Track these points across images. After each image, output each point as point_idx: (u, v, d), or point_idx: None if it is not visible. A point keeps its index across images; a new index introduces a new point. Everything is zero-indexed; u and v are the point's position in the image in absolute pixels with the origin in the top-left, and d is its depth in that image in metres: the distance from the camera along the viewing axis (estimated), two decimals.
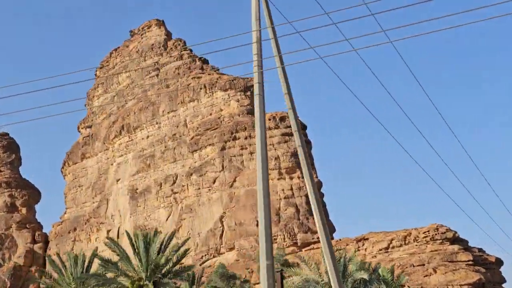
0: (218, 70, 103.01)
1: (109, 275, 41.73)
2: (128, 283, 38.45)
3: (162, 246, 40.92)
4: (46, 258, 53.09)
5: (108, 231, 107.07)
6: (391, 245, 67.65)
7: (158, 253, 39.70)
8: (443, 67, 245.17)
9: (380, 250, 67.03)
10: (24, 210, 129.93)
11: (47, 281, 46.28)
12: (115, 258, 43.04)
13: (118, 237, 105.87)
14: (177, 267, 41.50)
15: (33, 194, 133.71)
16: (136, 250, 40.02)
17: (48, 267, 54.24)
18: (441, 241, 62.23)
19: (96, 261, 45.01)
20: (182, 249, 42.94)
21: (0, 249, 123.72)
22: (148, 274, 38.62)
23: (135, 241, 40.39)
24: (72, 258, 45.57)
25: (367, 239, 69.77)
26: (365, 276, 39.69)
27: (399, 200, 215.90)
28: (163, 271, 39.47)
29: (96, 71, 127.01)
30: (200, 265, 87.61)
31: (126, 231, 45.86)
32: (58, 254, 53.75)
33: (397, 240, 67.13)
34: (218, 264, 64.57)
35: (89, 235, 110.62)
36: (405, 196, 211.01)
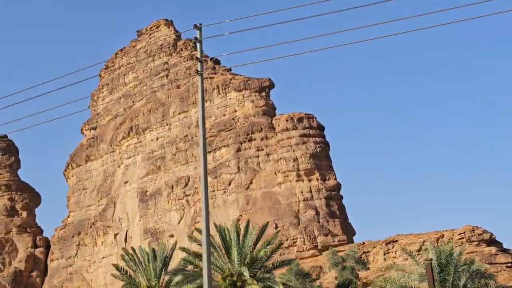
0: (230, 70, 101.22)
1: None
2: (219, 278, 36.31)
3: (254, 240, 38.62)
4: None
5: (115, 235, 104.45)
6: (423, 247, 66.12)
7: (254, 247, 37.53)
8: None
9: (412, 252, 65.23)
10: (24, 214, 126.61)
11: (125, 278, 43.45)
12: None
13: (126, 240, 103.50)
14: (271, 261, 39.32)
15: (33, 198, 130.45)
16: (228, 243, 37.59)
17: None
18: (477, 242, 60.90)
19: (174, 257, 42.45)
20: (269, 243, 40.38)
21: (0, 253, 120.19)
22: (245, 268, 36.45)
23: (226, 235, 38.00)
24: (149, 253, 42.93)
25: (396, 241, 68.14)
26: None
27: (416, 203, 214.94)
28: (261, 265, 37.31)
29: (101, 71, 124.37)
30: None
31: (216, 224, 43.10)
32: (133, 250, 51.21)
33: (430, 242, 65.56)
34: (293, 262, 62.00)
35: (95, 239, 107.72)
36: (422, 198, 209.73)
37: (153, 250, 45.14)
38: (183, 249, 44.89)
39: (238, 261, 37.64)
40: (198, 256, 40.21)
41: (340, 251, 75.89)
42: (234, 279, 37.04)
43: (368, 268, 66.64)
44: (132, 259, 45.12)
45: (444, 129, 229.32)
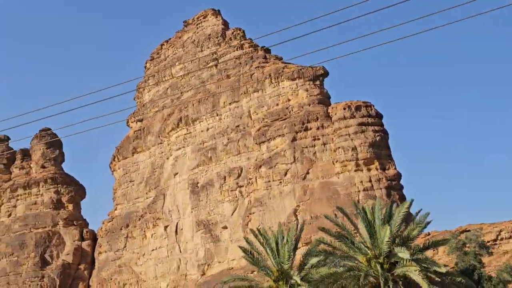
0: (282, 59, 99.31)
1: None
2: (363, 260, 34.40)
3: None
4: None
5: (165, 227, 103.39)
6: (499, 237, 63.78)
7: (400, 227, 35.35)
8: None
9: (488, 242, 62.96)
10: (70, 207, 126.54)
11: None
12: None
13: (176, 232, 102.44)
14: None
15: (79, 191, 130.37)
16: (370, 224, 35.54)
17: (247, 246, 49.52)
18: None
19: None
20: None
21: (47, 246, 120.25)
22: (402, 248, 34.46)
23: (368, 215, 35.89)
24: (277, 235, 40.74)
25: (469, 231, 65.65)
26: None
27: (477, 192, 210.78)
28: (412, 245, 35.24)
29: (146, 63, 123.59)
30: None
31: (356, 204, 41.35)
32: (259, 232, 49.21)
33: (507, 232, 63.31)
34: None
35: (144, 231, 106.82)
36: (482, 188, 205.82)
37: (281, 231, 42.72)
38: (322, 229, 42.88)
39: (388, 240, 35.19)
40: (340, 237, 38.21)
41: None
42: (380, 261, 34.86)
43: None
44: (264, 241, 42.45)
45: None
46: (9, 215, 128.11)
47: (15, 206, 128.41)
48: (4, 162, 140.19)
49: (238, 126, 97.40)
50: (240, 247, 40.37)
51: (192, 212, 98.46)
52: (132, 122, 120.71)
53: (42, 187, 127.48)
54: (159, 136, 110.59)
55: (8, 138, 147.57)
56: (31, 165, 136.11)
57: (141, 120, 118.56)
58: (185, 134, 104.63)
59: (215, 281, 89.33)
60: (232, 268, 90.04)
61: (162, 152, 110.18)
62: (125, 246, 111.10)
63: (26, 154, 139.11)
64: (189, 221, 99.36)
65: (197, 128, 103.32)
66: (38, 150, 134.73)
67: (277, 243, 41.03)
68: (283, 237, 42.65)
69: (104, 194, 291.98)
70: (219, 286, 46.99)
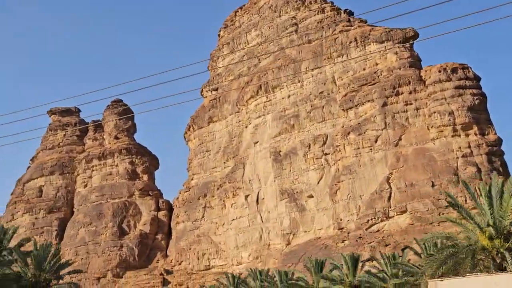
0: (366, 22, 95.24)
1: None
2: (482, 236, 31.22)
3: None
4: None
5: (246, 196, 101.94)
6: None
7: None
8: None
9: None
10: (145, 177, 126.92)
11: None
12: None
13: (257, 202, 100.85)
14: None
15: (153, 161, 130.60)
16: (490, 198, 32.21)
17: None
18: None
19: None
20: None
21: (124, 216, 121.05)
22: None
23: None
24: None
25: None
26: None
27: None
28: None
29: (220, 31, 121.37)
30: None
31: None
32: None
33: None
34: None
35: (223, 201, 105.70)
36: None
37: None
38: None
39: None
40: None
41: None
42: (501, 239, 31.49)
43: None
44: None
45: None
46: (85, 186, 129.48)
47: (90, 177, 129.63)
48: (77, 134, 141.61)
49: (321, 92, 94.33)
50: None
51: (274, 181, 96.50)
52: (206, 92, 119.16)
53: (117, 157, 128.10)
54: (236, 105, 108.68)
55: (79, 111, 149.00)
56: (104, 136, 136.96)
57: (216, 89, 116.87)
58: (264, 102, 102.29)
59: (301, 250, 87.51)
60: (320, 237, 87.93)
61: (239, 121, 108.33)
62: (203, 216, 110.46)
63: (98, 125, 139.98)
64: (271, 190, 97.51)
65: (278, 95, 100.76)
66: (110, 121, 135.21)
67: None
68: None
69: (174, 164, 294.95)
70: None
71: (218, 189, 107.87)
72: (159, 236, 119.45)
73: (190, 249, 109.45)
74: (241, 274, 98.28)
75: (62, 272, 48.11)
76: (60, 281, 48.51)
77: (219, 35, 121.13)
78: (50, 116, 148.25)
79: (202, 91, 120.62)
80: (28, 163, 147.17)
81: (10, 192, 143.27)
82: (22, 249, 46.37)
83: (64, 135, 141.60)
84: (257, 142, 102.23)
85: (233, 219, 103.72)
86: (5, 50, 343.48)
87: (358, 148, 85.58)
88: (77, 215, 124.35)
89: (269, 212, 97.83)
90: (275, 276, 66.24)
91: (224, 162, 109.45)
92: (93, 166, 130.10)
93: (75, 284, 52.22)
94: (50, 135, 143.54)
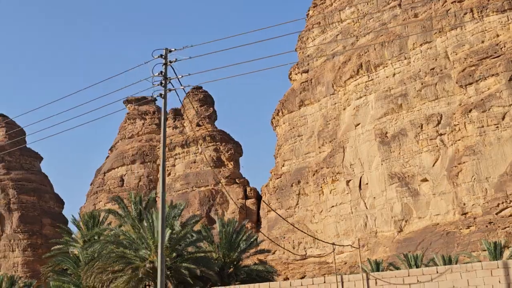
0: None
1: None
2: None
3: None
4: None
5: (347, 182, 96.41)
6: None
7: None
8: None
9: None
10: (230, 165, 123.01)
11: None
12: None
13: (360, 187, 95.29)
14: None
15: (237, 148, 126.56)
16: None
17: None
18: None
19: None
20: None
21: (212, 205, 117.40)
22: None
23: None
24: None
25: None
26: None
27: None
28: None
29: (309, 11, 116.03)
30: (496, 214, 74.52)
31: None
32: None
33: None
34: None
35: (321, 187, 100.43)
36: None
37: None
38: None
39: None
40: None
41: None
42: None
43: None
44: None
45: None
46: (169, 174, 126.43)
47: (173, 165, 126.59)
48: (156, 122, 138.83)
49: (433, 68, 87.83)
50: None
51: (382, 164, 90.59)
52: (295, 75, 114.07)
53: (201, 145, 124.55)
54: (332, 86, 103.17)
55: (155, 99, 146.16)
56: (184, 124, 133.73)
57: (306, 71, 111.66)
58: (366, 82, 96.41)
59: (418, 237, 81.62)
60: (438, 223, 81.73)
61: (335, 103, 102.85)
62: (297, 204, 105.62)
63: (178, 113, 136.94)
64: (377, 175, 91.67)
65: (381, 74, 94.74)
66: (191, 108, 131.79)
67: None
68: None
69: (253, 150, 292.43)
70: None
71: (314, 175, 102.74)
72: (248, 225, 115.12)
73: (284, 237, 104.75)
74: (345, 262, 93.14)
75: None
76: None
77: (307, 15, 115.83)
78: (126, 106, 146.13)
79: (290, 74, 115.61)
80: (107, 153, 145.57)
81: (87, 181, 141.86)
82: None
83: (143, 123, 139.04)
84: (358, 125, 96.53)
85: (333, 206, 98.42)
86: (89, 39, 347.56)
87: (482, 126, 78.83)
88: None
89: (374, 198, 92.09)
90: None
91: (319, 147, 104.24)
92: (176, 154, 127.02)
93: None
94: (128, 124, 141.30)
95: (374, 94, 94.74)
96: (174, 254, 34.80)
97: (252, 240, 42.78)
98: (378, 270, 64.00)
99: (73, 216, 47.73)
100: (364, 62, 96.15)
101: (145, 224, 36.28)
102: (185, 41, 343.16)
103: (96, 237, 43.48)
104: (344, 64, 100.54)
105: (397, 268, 64.41)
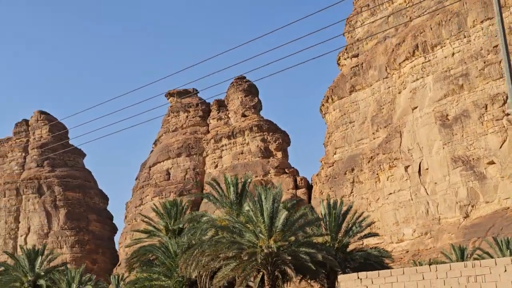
0: None
1: None
2: None
3: None
4: None
5: (406, 167, 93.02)
6: None
7: None
8: None
9: None
10: (279, 155, 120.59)
11: None
12: None
13: (419, 173, 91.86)
14: None
15: (285, 138, 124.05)
16: None
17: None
18: None
19: None
20: None
21: None
22: None
23: None
24: None
25: None
26: None
27: None
28: None
29: None
30: None
31: None
32: None
33: None
34: None
35: (377, 174, 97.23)
36: None
37: None
38: None
39: None
40: None
41: None
42: None
43: None
44: None
45: None
46: (216, 166, 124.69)
47: (220, 157, 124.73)
48: (200, 114, 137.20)
49: (496, 46, 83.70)
50: None
51: (443, 148, 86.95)
52: (344, 60, 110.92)
53: (248, 135, 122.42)
54: (385, 69, 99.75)
55: (196, 91, 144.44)
56: (229, 115, 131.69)
57: (356, 56, 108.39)
58: (423, 63, 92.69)
59: (487, 223, 78.00)
60: (508, 208, 77.91)
61: (389, 87, 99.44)
62: (351, 192, 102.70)
63: (221, 104, 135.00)
64: (438, 159, 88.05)
65: (439, 54, 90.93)
66: (236, 99, 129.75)
67: None
68: None
69: (302, 140, 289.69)
70: None
71: (368, 162, 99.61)
72: None
73: None
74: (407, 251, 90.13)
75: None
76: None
77: None
78: (168, 99, 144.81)
79: (339, 59, 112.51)
80: (151, 147, 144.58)
81: (129, 177, 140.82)
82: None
83: (187, 116, 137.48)
84: (415, 108, 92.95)
85: (390, 193, 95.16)
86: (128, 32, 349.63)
87: None
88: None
89: (435, 183, 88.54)
90: None
91: (373, 133, 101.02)
92: (222, 146, 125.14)
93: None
94: (171, 117, 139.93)
95: (432, 76, 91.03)
96: (293, 238, 32.50)
97: (361, 221, 40.12)
98: (462, 257, 60.83)
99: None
100: (420, 42, 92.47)
101: (253, 206, 33.76)
102: (230, 32, 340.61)
103: (181, 226, 41.41)
104: (398, 46, 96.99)
105: (487, 254, 61.09)
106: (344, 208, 42.15)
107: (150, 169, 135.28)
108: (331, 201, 43.23)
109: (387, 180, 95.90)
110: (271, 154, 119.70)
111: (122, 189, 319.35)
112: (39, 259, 56.14)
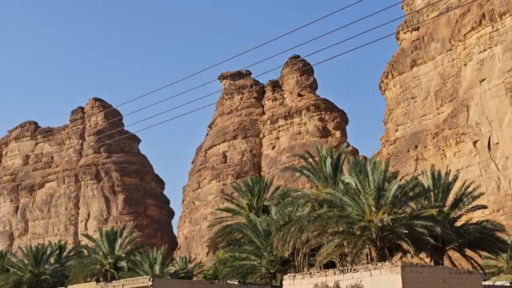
0: None
1: None
2: None
3: None
4: None
5: (474, 142, 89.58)
6: None
7: None
8: None
9: None
10: (337, 134, 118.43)
11: None
12: None
13: (489, 148, 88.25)
14: None
15: (343, 116, 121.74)
16: None
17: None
18: None
19: None
20: None
21: None
22: None
23: None
24: None
25: None
26: None
27: None
28: None
29: None
30: None
31: None
32: None
33: None
34: None
35: (443, 150, 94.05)
36: None
37: None
38: None
39: None
40: None
41: None
42: None
43: None
44: None
45: None
46: (273, 147, 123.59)
47: (277, 138, 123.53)
48: (255, 95, 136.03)
49: None
50: None
51: None
52: (404, 33, 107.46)
53: (305, 115, 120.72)
54: (449, 41, 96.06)
55: (250, 73, 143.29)
56: (284, 96, 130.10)
57: (417, 29, 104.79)
58: (490, 33, 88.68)
59: None
60: None
61: (453, 60, 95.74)
62: (416, 170, 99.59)
63: (275, 85, 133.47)
64: (510, 133, 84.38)
65: (507, 23, 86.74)
66: (291, 78, 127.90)
67: None
68: None
69: (359, 118, 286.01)
70: None
71: (433, 138, 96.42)
72: None
73: None
74: None
75: None
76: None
77: None
78: (221, 81, 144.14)
79: (398, 33, 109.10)
80: (206, 130, 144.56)
81: (183, 161, 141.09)
82: None
83: (241, 98, 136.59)
84: (483, 80, 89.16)
85: (458, 170, 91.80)
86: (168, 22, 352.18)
87: None
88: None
89: (506, 157, 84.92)
90: None
91: (437, 108, 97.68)
92: (279, 127, 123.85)
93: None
94: (226, 100, 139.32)
95: (500, 46, 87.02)
96: (408, 210, 30.96)
97: (471, 192, 38.15)
98: None
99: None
100: (487, 11, 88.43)
101: (358, 178, 32.29)
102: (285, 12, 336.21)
103: (266, 203, 40.24)
104: (463, 16, 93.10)
105: None
106: (450, 179, 39.85)
107: (206, 153, 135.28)
108: (436, 172, 41.16)
109: (454, 156, 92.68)
110: (329, 133, 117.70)
111: (176, 174, 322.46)
112: (119, 241, 56.33)
